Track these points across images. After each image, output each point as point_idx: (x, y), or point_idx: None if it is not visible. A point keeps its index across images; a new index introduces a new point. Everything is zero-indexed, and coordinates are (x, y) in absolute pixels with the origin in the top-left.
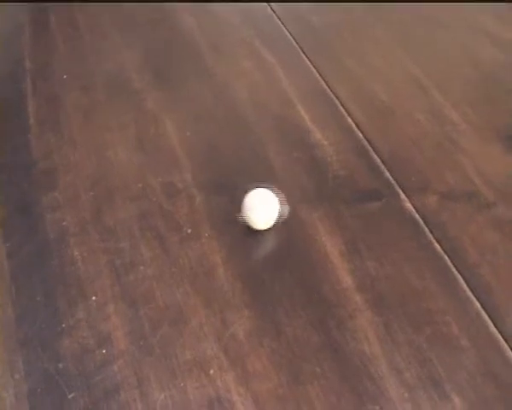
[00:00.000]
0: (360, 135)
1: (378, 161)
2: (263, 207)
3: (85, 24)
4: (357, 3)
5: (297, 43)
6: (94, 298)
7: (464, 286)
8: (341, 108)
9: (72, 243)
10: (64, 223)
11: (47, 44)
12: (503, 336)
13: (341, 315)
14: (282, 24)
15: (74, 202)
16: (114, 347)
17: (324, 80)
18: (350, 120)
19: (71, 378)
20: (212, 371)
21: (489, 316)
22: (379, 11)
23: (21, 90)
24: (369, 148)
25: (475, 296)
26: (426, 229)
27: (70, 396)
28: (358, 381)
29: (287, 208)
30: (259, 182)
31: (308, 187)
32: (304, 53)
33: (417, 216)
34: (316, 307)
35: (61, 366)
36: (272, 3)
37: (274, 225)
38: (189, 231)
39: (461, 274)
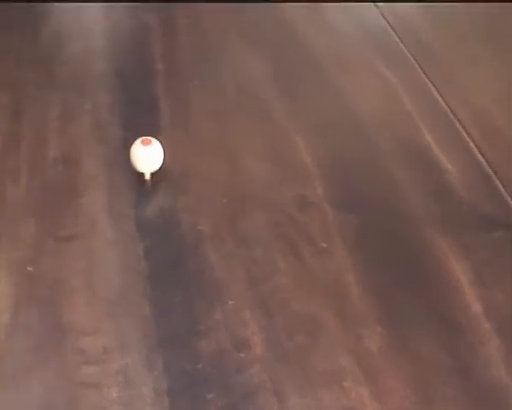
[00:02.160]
0: (483, 161)
1: (502, 189)
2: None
3: (212, 28)
4: (471, 22)
5: (415, 59)
6: (230, 302)
7: None
8: (463, 132)
9: (208, 247)
10: (199, 227)
11: (176, 47)
12: None
13: (471, 340)
14: (399, 39)
15: (208, 207)
16: (252, 352)
17: (445, 101)
18: (472, 144)
19: (209, 379)
20: (345, 384)
21: None
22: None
23: (153, 91)
24: (493, 175)
25: None
26: None
27: (209, 396)
28: (489, 407)
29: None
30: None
31: (434, 211)
32: (422, 71)
33: None
34: (446, 329)
35: (199, 365)
36: (390, 21)
37: None
38: (323, 245)
39: None
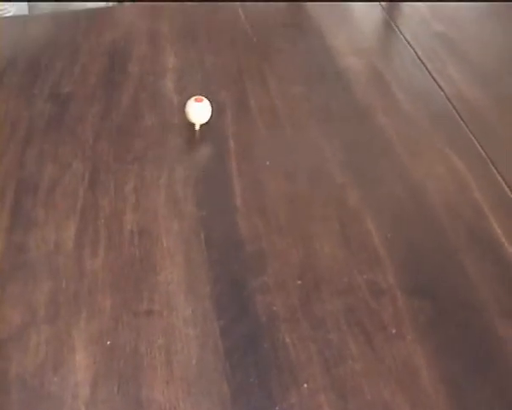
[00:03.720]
0: None
1: None
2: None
3: (285, 113)
4: None
5: (483, 149)
6: (305, 385)
7: None
8: None
9: (283, 328)
10: (274, 308)
11: (249, 128)
12: None
13: None
14: (467, 128)
15: (283, 289)
16: None
17: None
18: None
19: None
20: None
21: None
22: None
23: (227, 170)
24: None
25: None
26: None
27: None
28: None
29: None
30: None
31: (505, 302)
32: (488, 156)
33: None
34: None
35: None
36: (455, 103)
37: None
38: (394, 331)
39: None
